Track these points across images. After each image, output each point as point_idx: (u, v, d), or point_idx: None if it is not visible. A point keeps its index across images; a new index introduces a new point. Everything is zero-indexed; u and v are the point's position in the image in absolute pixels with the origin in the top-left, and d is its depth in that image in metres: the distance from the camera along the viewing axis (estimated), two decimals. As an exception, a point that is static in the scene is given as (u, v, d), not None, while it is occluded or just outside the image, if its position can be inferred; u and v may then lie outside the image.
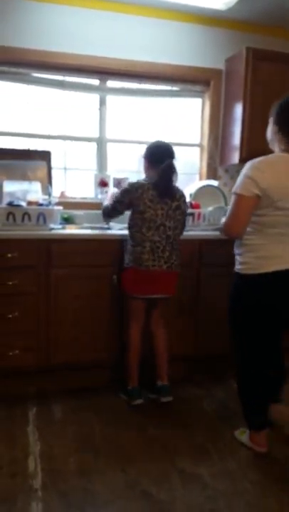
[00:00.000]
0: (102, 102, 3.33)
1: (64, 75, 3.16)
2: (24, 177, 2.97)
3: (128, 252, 2.45)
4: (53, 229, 2.59)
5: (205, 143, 3.56)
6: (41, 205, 2.64)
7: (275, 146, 2.00)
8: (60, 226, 2.78)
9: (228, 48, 3.34)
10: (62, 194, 3.25)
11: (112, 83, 3.29)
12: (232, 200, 1.95)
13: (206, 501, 1.77)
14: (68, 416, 2.40)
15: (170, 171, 2.35)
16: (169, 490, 1.83)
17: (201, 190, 3.17)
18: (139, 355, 2.50)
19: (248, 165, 1.91)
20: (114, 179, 3.35)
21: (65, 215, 3.06)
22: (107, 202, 2.61)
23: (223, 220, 2.04)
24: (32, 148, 3.13)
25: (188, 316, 2.81)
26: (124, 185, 2.51)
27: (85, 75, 3.21)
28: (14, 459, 2.01)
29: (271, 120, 2.01)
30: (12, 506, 1.70)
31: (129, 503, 1.75)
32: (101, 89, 3.27)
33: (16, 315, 2.46)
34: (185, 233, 2.58)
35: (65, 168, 3.35)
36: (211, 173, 3.54)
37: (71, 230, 2.80)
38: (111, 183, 3.33)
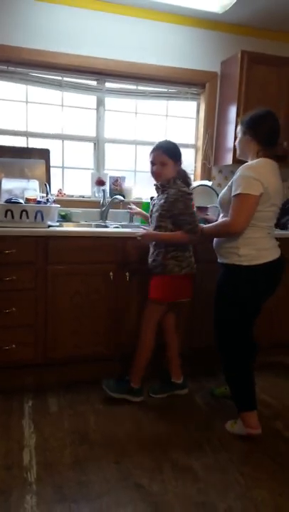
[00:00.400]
0: (100, 103, 3.37)
1: (62, 75, 3.19)
2: (23, 175, 3.00)
3: (171, 258, 2.37)
4: (50, 226, 2.63)
5: (200, 144, 3.62)
6: (39, 202, 2.67)
7: (250, 153, 2.21)
8: (57, 223, 2.81)
9: (224, 50, 3.40)
10: (60, 192, 3.29)
11: (109, 84, 3.33)
12: (238, 200, 2.07)
13: (197, 493, 1.81)
14: (64, 409, 2.43)
15: None
16: (161, 482, 1.87)
17: (196, 190, 3.22)
18: None
19: (248, 168, 2.10)
20: (111, 178, 3.40)
21: (63, 213, 3.10)
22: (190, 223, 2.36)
23: (225, 219, 2.17)
24: (31, 146, 3.16)
25: (180, 311, 2.85)
26: (179, 196, 2.30)
27: (83, 76, 3.24)
28: (9, 451, 2.03)
29: (243, 131, 2.21)
30: (7, 499, 1.72)
31: (122, 495, 1.78)
32: (99, 90, 3.31)
33: (14, 310, 2.49)
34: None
35: (63, 167, 3.38)
36: (206, 174, 3.59)
37: (68, 228, 2.83)
38: (108, 182, 3.37)
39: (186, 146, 3.63)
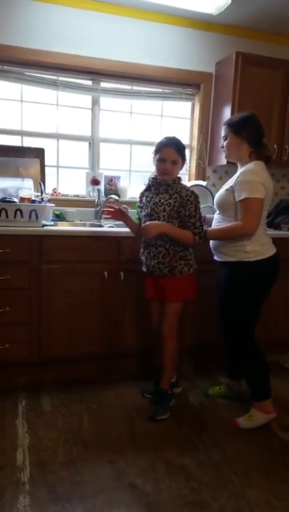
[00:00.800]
0: (95, 102, 3.37)
1: (57, 75, 3.19)
2: (17, 174, 3.00)
3: (180, 258, 2.33)
4: (45, 225, 2.62)
5: (194, 144, 3.63)
6: (34, 201, 2.67)
7: (242, 155, 2.29)
8: (52, 223, 2.81)
9: (219, 51, 3.41)
10: (55, 191, 3.29)
11: (105, 84, 3.33)
12: (248, 204, 2.16)
13: (191, 492, 1.81)
14: (58, 408, 2.43)
15: None
16: (155, 481, 1.87)
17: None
18: None
19: (250, 173, 2.18)
20: (106, 177, 3.41)
21: (58, 212, 3.09)
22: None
23: (235, 222, 2.23)
24: (25, 145, 3.15)
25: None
26: (192, 197, 2.28)
27: (78, 75, 3.24)
28: (3, 451, 2.03)
29: (235, 133, 2.27)
30: (0, 499, 1.72)
31: (116, 495, 1.78)
32: (94, 90, 3.31)
33: (8, 310, 2.49)
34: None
35: (58, 166, 3.38)
36: (200, 174, 3.61)
37: (63, 227, 2.83)
38: (103, 182, 3.37)
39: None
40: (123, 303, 2.73)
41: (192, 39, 3.38)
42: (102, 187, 3.35)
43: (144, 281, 2.50)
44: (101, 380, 2.72)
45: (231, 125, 2.30)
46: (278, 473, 1.96)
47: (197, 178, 3.58)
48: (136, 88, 3.42)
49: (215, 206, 2.43)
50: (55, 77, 3.19)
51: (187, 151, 3.67)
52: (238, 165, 2.36)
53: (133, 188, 3.48)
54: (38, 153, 3.13)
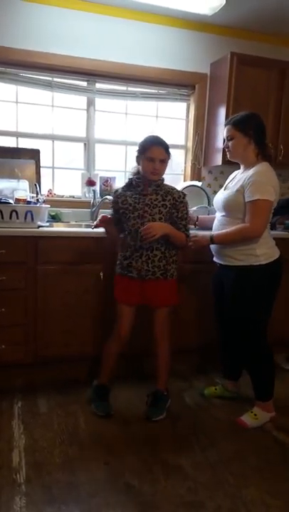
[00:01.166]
0: (90, 103, 3.37)
1: (52, 76, 3.18)
2: (13, 175, 3.00)
3: (173, 262, 2.35)
4: (40, 226, 2.62)
5: (190, 145, 3.63)
6: (29, 202, 2.67)
7: (249, 155, 2.26)
8: (47, 224, 2.81)
9: (213, 52, 3.41)
10: (50, 192, 3.28)
11: (100, 85, 3.33)
12: (258, 205, 2.15)
13: (187, 493, 1.82)
14: (54, 409, 2.43)
15: None
16: (151, 482, 1.87)
17: (186, 191, 3.22)
18: None
19: (263, 174, 2.17)
20: (102, 178, 3.41)
21: (53, 213, 3.09)
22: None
23: (243, 224, 2.21)
24: (21, 146, 3.15)
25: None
26: (185, 200, 2.31)
27: (73, 76, 3.24)
28: (-1, 452, 2.02)
29: (244, 134, 2.23)
30: (-4, 500, 1.72)
31: (112, 496, 1.78)
32: (89, 91, 3.31)
33: (3, 311, 2.49)
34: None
35: (53, 167, 3.38)
36: (195, 174, 3.61)
37: (58, 228, 2.83)
38: (98, 182, 3.37)
39: (176, 146, 3.65)
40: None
41: (187, 40, 3.39)
42: (97, 188, 3.35)
43: (121, 287, 2.39)
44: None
45: (238, 125, 2.25)
46: (274, 473, 1.97)
47: (192, 179, 3.58)
48: (131, 89, 3.42)
49: (219, 207, 2.37)
50: (50, 78, 3.19)
51: (182, 152, 3.69)
52: (242, 165, 2.33)
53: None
54: (34, 155, 3.12)
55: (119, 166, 3.55)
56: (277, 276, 2.32)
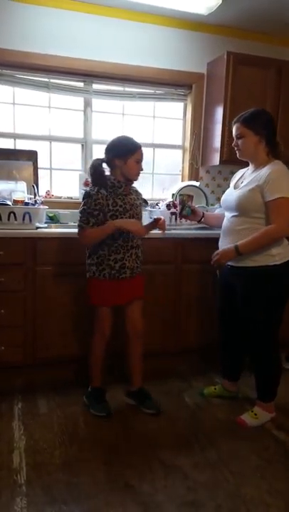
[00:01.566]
0: (87, 104, 3.37)
1: (49, 77, 3.19)
2: (10, 176, 3.00)
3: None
4: (38, 227, 2.62)
5: (187, 145, 3.64)
6: (27, 204, 2.67)
7: (260, 154, 2.23)
8: (45, 225, 2.81)
9: (210, 51, 3.42)
10: (48, 193, 3.28)
11: (97, 86, 3.33)
12: (282, 203, 2.10)
13: (187, 492, 1.82)
14: (53, 410, 2.43)
15: None
16: (151, 482, 1.87)
17: (183, 191, 3.23)
18: None
19: (282, 172, 2.14)
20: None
21: (51, 214, 3.09)
22: None
23: (268, 227, 2.14)
24: (18, 148, 3.15)
25: (171, 311, 2.88)
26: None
27: (70, 77, 3.24)
28: (-1, 453, 2.03)
29: (256, 132, 2.19)
30: (-4, 501, 1.72)
31: (112, 496, 1.78)
32: (86, 92, 3.31)
33: (2, 312, 2.49)
34: (168, 232, 2.64)
35: (50, 168, 3.38)
36: (193, 174, 3.61)
37: (56, 229, 2.84)
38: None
39: (174, 147, 3.65)
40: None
41: (183, 39, 3.39)
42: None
43: (110, 291, 2.35)
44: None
45: (248, 122, 2.20)
46: (274, 472, 1.97)
47: (190, 179, 3.58)
48: (128, 89, 3.42)
49: (231, 207, 2.30)
50: (47, 80, 3.19)
51: (179, 152, 3.70)
52: (252, 164, 2.29)
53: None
54: (31, 156, 3.13)
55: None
56: None
